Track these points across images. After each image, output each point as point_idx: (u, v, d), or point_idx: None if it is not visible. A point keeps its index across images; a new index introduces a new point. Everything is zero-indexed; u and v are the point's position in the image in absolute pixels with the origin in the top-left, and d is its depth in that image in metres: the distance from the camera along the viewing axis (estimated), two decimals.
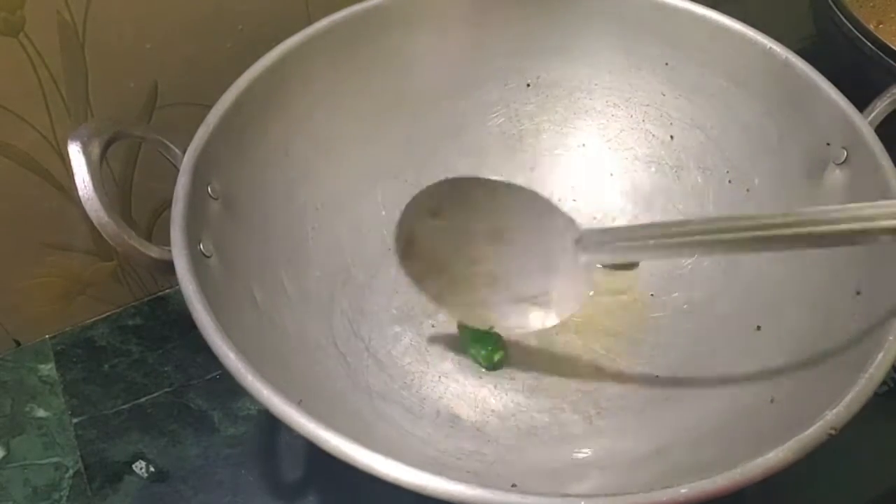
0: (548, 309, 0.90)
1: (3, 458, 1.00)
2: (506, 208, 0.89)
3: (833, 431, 0.64)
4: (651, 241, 0.82)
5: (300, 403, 0.65)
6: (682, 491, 0.60)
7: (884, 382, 0.69)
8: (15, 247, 0.99)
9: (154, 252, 0.76)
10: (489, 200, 0.89)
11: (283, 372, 0.79)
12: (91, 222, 0.75)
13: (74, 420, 1.02)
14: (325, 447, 0.62)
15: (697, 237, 0.79)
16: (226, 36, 0.96)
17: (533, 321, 0.91)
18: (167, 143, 0.83)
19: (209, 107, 0.85)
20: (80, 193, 0.74)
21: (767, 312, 0.90)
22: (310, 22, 0.94)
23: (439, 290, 0.92)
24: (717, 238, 0.77)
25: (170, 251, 0.73)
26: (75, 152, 0.74)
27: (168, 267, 0.73)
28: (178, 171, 0.79)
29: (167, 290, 1.15)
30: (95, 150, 0.75)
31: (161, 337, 1.10)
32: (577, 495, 0.61)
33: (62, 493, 0.97)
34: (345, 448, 0.61)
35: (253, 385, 0.65)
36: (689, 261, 0.99)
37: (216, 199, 0.82)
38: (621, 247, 0.85)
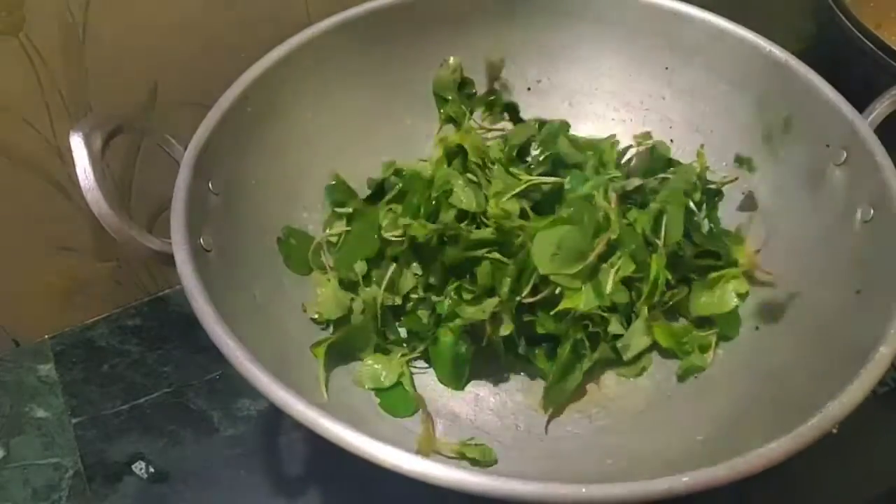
0: None
1: (3, 458, 0.99)
2: None
3: (835, 430, 0.64)
4: None
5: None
6: (684, 479, 0.60)
7: (884, 383, 0.69)
8: (14, 247, 0.99)
9: (154, 244, 0.76)
10: None
11: (282, 367, 0.79)
12: (91, 222, 0.75)
13: (74, 420, 1.02)
14: (327, 435, 0.62)
15: None
16: (226, 35, 0.96)
17: None
18: (168, 137, 0.83)
19: (209, 106, 0.85)
20: (82, 184, 0.74)
21: (767, 312, 0.90)
22: (310, 22, 0.95)
23: None
24: None
25: (170, 244, 0.73)
26: (77, 144, 0.75)
27: (168, 259, 0.73)
28: (179, 165, 0.79)
29: (166, 291, 1.15)
30: (97, 142, 0.75)
31: (160, 337, 1.10)
32: (579, 482, 0.61)
33: (61, 494, 0.97)
34: (345, 435, 0.61)
35: (252, 372, 0.65)
36: None
37: (217, 194, 0.83)
38: None
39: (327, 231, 0.97)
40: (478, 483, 0.59)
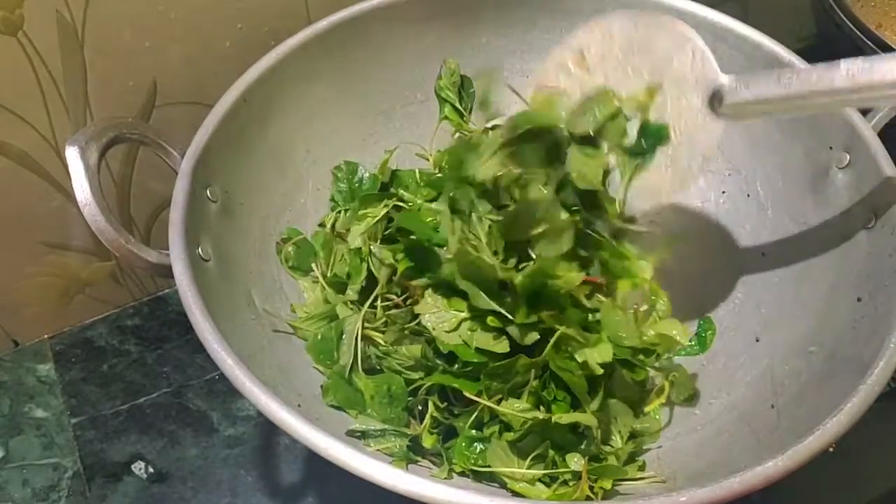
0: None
1: (2, 458, 1.00)
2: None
3: (831, 449, 0.64)
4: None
5: (299, 407, 0.65)
6: (681, 499, 0.60)
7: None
8: (13, 246, 0.99)
9: (152, 256, 0.75)
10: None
11: (282, 375, 0.79)
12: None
13: (73, 420, 1.02)
14: (325, 455, 0.62)
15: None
16: (225, 35, 0.96)
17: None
18: (166, 146, 0.83)
19: (208, 105, 0.85)
20: (79, 199, 0.73)
21: (769, 317, 0.90)
22: (309, 22, 0.94)
23: None
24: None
25: (168, 255, 0.73)
26: (73, 157, 0.74)
27: (167, 271, 0.73)
28: (177, 173, 0.79)
29: (166, 290, 1.15)
30: (93, 154, 0.75)
31: (160, 337, 1.10)
32: (574, 500, 0.61)
33: (61, 494, 0.97)
34: (343, 455, 0.61)
35: (251, 392, 0.65)
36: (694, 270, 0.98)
37: (215, 201, 0.82)
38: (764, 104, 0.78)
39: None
40: (472, 501, 0.59)
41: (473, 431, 0.81)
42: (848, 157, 0.86)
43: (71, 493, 0.97)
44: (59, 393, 1.05)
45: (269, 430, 1.01)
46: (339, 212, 0.97)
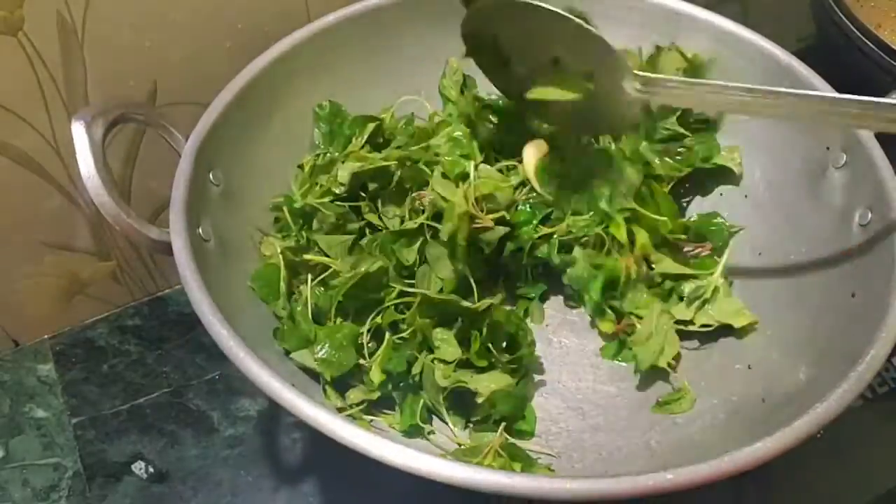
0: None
1: (2, 458, 0.99)
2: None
3: (819, 434, 0.64)
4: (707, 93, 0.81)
5: (293, 387, 0.65)
6: (668, 476, 0.60)
7: (884, 383, 0.68)
8: (14, 246, 0.99)
9: (153, 233, 0.76)
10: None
11: (279, 358, 0.80)
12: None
13: (73, 420, 1.02)
14: (332, 434, 0.62)
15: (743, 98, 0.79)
16: (225, 35, 0.97)
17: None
18: (170, 127, 0.84)
19: (208, 106, 0.85)
20: (82, 172, 0.74)
21: (763, 313, 0.90)
22: (309, 20, 0.95)
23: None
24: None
25: (168, 233, 0.74)
26: (79, 131, 0.75)
27: (166, 248, 0.74)
28: (180, 157, 0.80)
29: (166, 291, 1.16)
30: (99, 130, 0.76)
31: (160, 337, 1.10)
32: (565, 476, 0.61)
33: (61, 494, 0.97)
34: (335, 427, 0.62)
35: (244, 363, 0.65)
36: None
37: (217, 185, 0.84)
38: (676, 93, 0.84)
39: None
40: (464, 478, 0.59)
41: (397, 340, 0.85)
42: (845, 156, 0.87)
43: (71, 493, 0.97)
44: (59, 393, 1.05)
45: (269, 429, 1.01)
46: (318, 155, 0.96)
